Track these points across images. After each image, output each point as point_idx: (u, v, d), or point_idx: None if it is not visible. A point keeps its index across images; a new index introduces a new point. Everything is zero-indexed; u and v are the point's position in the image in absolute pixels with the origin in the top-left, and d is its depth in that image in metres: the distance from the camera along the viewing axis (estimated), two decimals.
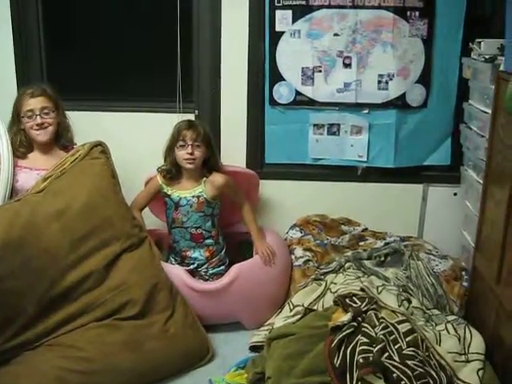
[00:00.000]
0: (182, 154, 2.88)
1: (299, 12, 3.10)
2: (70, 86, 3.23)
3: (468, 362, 2.27)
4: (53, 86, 2.92)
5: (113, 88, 3.43)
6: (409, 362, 2.14)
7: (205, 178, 2.94)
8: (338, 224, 3.34)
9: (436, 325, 2.47)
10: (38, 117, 2.83)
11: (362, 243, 3.18)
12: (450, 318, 2.59)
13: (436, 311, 2.64)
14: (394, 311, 2.39)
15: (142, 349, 2.49)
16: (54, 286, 2.44)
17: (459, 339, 2.35)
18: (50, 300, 2.43)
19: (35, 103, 2.83)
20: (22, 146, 2.88)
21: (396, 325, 2.30)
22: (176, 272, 2.82)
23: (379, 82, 3.15)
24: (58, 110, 2.91)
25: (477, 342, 2.34)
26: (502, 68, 2.48)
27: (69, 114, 2.97)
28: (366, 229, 3.33)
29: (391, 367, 2.12)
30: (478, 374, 2.22)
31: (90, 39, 3.42)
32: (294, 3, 3.08)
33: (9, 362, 2.34)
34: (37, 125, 2.83)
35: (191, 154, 2.86)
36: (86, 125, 3.07)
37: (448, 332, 2.40)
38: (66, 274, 2.48)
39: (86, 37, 3.42)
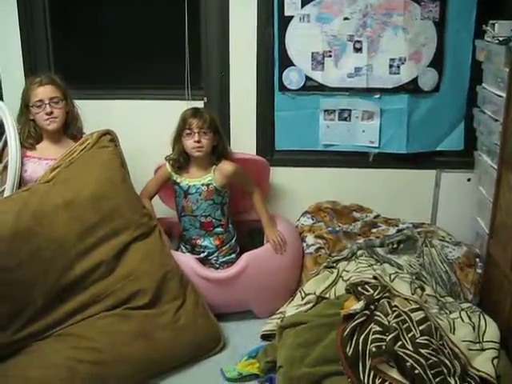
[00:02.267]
0: (189, 143, 2.86)
1: None
2: (78, 75, 3.22)
3: (482, 350, 2.24)
4: (60, 75, 2.90)
5: (121, 76, 3.41)
6: (422, 351, 2.11)
7: (214, 166, 2.91)
8: (350, 211, 3.30)
9: (450, 313, 2.45)
10: (48, 106, 2.80)
11: (374, 230, 3.14)
12: (464, 305, 2.56)
13: (450, 299, 2.62)
14: (407, 299, 2.36)
15: (152, 338, 2.48)
16: (63, 276, 2.43)
17: (473, 327, 2.32)
18: (59, 290, 2.42)
19: (44, 92, 2.80)
20: (30, 137, 2.86)
21: (409, 313, 2.27)
22: (186, 260, 2.81)
23: (390, 66, 3.10)
24: (67, 100, 2.89)
25: (491, 330, 2.31)
26: None
27: (77, 102, 2.94)
28: (379, 215, 3.30)
29: (404, 356, 2.09)
30: (492, 362, 2.19)
31: (96, 27, 3.40)
32: None
33: (19, 352, 2.33)
34: (46, 114, 2.80)
35: (198, 141, 2.83)
36: (94, 113, 3.05)
37: (462, 320, 2.38)
38: (76, 264, 2.47)
39: (93, 25, 3.40)
